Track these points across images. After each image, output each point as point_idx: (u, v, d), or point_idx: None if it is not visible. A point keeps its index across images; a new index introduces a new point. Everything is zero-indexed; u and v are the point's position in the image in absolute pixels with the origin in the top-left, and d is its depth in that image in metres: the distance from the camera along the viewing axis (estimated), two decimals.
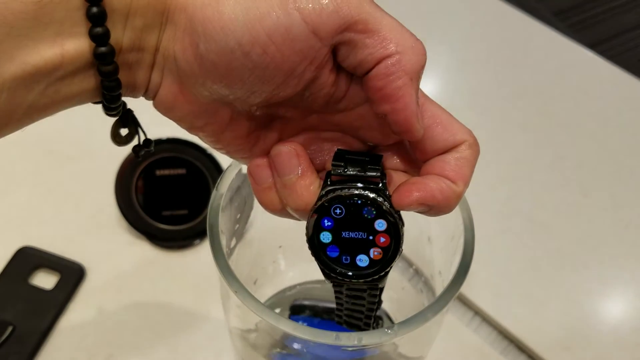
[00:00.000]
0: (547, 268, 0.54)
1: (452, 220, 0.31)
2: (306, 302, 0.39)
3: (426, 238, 0.34)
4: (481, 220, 0.57)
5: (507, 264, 0.54)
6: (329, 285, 0.44)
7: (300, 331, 0.24)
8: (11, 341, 0.46)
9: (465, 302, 0.52)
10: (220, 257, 0.25)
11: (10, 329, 0.46)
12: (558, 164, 0.62)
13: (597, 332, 0.50)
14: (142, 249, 0.53)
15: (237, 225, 0.31)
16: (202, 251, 0.53)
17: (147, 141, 0.29)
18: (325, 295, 0.43)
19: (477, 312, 0.52)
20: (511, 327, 0.50)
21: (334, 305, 0.39)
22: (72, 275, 0.50)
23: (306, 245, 0.27)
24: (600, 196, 0.59)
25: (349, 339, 0.23)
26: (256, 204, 0.34)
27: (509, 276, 0.53)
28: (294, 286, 0.42)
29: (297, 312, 0.38)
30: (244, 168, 0.30)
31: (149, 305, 0.50)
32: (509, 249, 0.55)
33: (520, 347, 0.50)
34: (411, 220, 0.36)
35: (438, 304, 0.26)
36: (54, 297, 0.49)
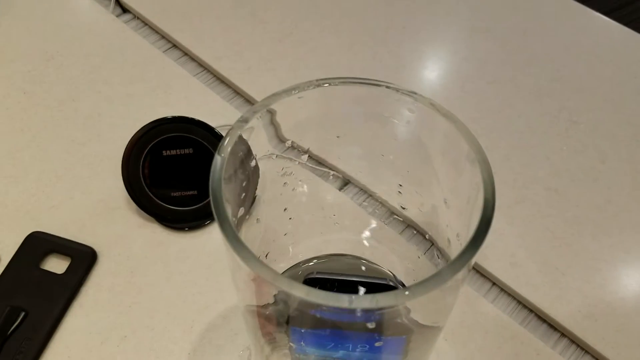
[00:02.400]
0: (566, 236, 0.52)
1: (468, 180, 0.30)
2: (321, 276, 0.38)
3: (442, 202, 0.33)
4: (496, 191, 0.56)
5: (524, 233, 0.53)
6: (345, 259, 0.43)
7: (314, 295, 0.23)
8: (24, 327, 0.46)
9: (483, 273, 0.51)
10: (226, 224, 0.24)
11: (22, 314, 0.46)
12: (573, 131, 0.60)
13: (619, 299, 0.49)
14: (153, 231, 0.52)
15: (244, 194, 0.30)
16: (213, 231, 0.52)
17: None
18: (341, 268, 0.42)
19: (495, 283, 0.51)
20: (530, 297, 0.49)
21: (350, 278, 0.38)
22: (83, 259, 0.49)
23: (318, 218, 0.27)
24: (619, 161, 0.58)
25: (364, 301, 0.22)
26: (262, 172, 0.33)
27: (527, 246, 0.52)
28: (309, 260, 0.41)
29: (311, 285, 0.37)
30: (247, 133, 0.29)
31: (162, 286, 0.49)
32: (526, 218, 0.54)
33: (540, 316, 0.49)
34: (424, 189, 0.35)
35: (457, 263, 0.25)
36: (65, 282, 0.48)
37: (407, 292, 0.23)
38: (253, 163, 0.31)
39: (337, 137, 0.36)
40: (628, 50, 0.68)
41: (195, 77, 0.64)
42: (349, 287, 0.38)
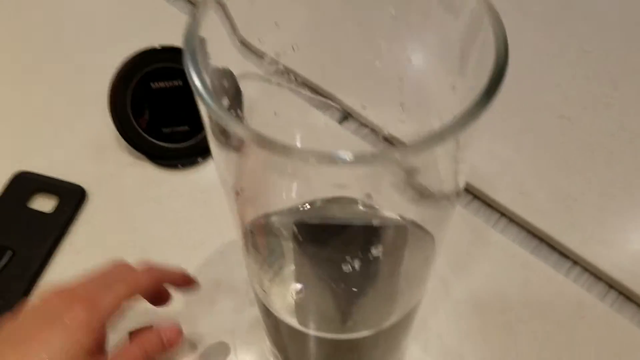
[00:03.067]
0: (578, 164, 0.50)
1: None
2: (312, 222, 0.35)
3: (450, 88, 0.30)
4: (506, 118, 0.53)
5: (534, 162, 0.50)
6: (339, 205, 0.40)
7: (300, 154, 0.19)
8: (11, 266, 0.44)
9: (490, 204, 0.48)
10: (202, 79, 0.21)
11: (9, 253, 0.44)
12: (584, 57, 0.57)
13: (636, 225, 0.46)
14: (144, 170, 0.50)
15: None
16: (207, 168, 0.50)
17: None
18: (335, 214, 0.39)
19: (504, 214, 0.48)
20: (541, 225, 0.46)
21: (342, 223, 0.34)
22: (72, 198, 0.47)
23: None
24: (631, 88, 0.55)
25: (349, 156, 0.19)
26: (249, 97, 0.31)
27: (537, 174, 0.49)
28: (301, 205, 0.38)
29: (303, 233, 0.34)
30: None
31: (154, 224, 0.47)
32: (536, 146, 0.51)
33: (551, 244, 0.46)
34: (430, 76, 0.32)
35: (469, 115, 0.21)
36: (54, 220, 0.46)
37: (413, 146, 0.19)
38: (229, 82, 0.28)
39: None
40: None
41: (187, 15, 0.62)
42: (347, 232, 0.35)
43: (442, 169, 0.26)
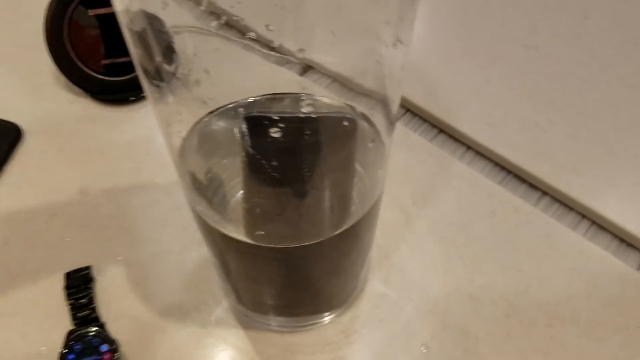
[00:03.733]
0: (548, 93, 0.47)
1: None
2: (262, 114, 0.32)
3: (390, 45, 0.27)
4: (472, 49, 0.51)
5: (502, 92, 0.47)
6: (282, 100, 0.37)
7: None
8: None
9: (457, 137, 0.46)
10: None
11: None
12: None
13: (608, 152, 0.44)
14: (85, 106, 0.46)
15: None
16: None
17: None
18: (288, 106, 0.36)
19: (470, 147, 0.45)
20: (509, 156, 0.44)
21: (289, 115, 0.31)
22: (6, 136, 0.44)
23: None
24: (602, 17, 0.52)
25: None
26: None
27: (505, 105, 0.47)
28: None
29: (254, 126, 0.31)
30: None
31: (96, 162, 0.44)
32: (504, 77, 0.48)
33: (520, 176, 0.44)
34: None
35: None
36: None
37: None
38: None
39: None
40: None
41: None
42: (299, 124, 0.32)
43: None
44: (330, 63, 0.29)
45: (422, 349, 0.36)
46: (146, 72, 0.23)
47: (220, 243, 0.28)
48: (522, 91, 0.47)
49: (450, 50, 0.50)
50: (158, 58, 0.25)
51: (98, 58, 0.45)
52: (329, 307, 0.34)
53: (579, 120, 0.46)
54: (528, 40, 0.50)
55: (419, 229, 0.41)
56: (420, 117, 0.47)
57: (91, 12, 0.45)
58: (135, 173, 0.43)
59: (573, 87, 0.48)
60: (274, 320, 0.36)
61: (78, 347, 0.34)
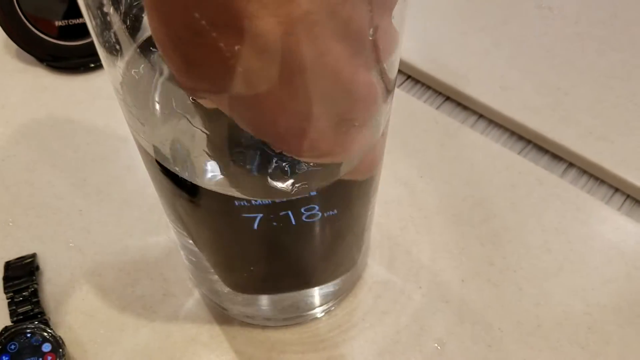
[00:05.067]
0: (566, 54, 0.42)
1: None
2: None
3: None
4: (479, 9, 0.45)
5: (515, 54, 0.42)
6: None
7: None
8: None
9: (466, 104, 0.40)
10: None
11: None
12: None
13: (637, 116, 0.38)
14: (36, 75, 0.40)
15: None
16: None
17: None
18: None
19: (482, 115, 0.39)
20: (528, 122, 0.38)
21: None
22: None
23: None
24: None
25: None
26: None
27: (519, 66, 0.41)
28: None
29: None
30: None
31: (48, 138, 0.37)
32: (517, 38, 0.43)
33: (541, 146, 0.38)
34: None
35: None
36: None
37: None
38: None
39: None
40: None
41: None
42: None
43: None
44: None
45: (435, 345, 0.30)
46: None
47: (189, 204, 0.22)
48: (538, 53, 0.42)
49: (456, 9, 0.45)
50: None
51: (51, 20, 0.39)
52: (318, 281, 0.28)
53: (605, 82, 0.40)
54: (541, 1, 0.45)
55: (428, 205, 0.34)
56: (424, 84, 0.41)
57: None
58: (92, 147, 0.37)
59: (595, 48, 0.42)
60: (256, 308, 0.29)
61: (13, 346, 0.28)
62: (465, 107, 0.40)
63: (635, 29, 0.43)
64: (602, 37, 0.42)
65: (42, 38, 0.39)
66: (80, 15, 0.39)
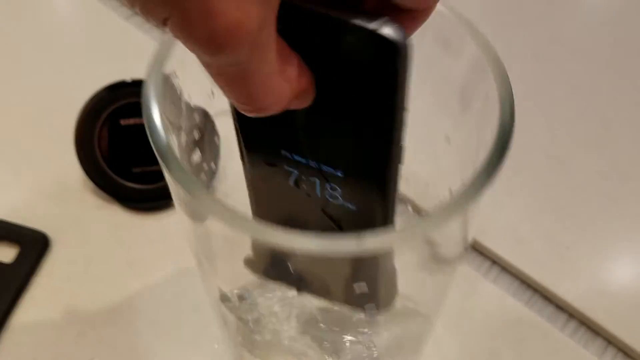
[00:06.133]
0: (571, 208, 0.48)
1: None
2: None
3: (443, 138, 0.27)
4: None
5: (525, 205, 0.48)
6: None
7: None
8: None
9: (481, 251, 0.46)
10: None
11: None
12: (574, 96, 0.55)
13: (634, 275, 0.44)
14: (113, 213, 0.47)
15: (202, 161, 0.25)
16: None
17: None
18: None
19: (495, 261, 0.46)
20: (535, 275, 0.44)
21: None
22: (34, 246, 0.44)
23: None
24: (624, 127, 0.53)
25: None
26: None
27: (529, 219, 0.47)
28: None
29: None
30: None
31: (124, 275, 0.44)
32: (527, 189, 0.49)
33: (546, 296, 0.44)
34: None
35: (472, 189, 0.20)
36: (14, 271, 0.42)
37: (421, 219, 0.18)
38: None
39: None
40: (629, 9, 0.63)
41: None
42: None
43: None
44: None
45: None
46: None
47: None
48: (546, 205, 0.48)
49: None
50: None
51: (128, 166, 0.46)
52: None
53: (604, 237, 0.46)
54: (550, 151, 0.51)
55: (450, 357, 0.41)
56: None
57: (123, 122, 0.45)
58: (165, 286, 0.43)
59: (597, 201, 0.48)
60: None
61: None
62: (480, 252, 0.46)
63: (633, 182, 0.49)
64: (603, 190, 0.49)
65: (119, 182, 0.46)
66: (152, 163, 0.46)
